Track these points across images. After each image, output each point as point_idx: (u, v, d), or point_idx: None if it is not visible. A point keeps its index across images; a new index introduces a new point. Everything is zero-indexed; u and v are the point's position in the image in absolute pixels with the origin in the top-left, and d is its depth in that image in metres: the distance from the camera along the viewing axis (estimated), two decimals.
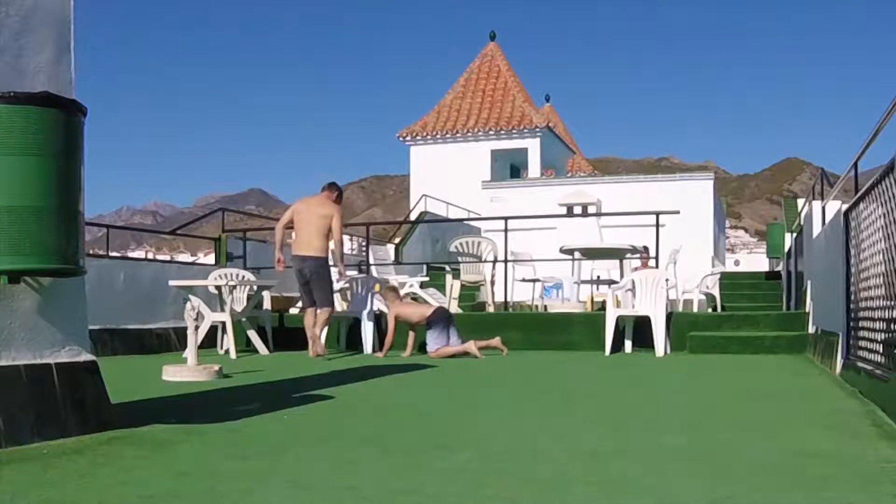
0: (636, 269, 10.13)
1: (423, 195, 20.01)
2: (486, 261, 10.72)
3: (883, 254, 4.38)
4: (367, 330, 8.80)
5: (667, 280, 8.50)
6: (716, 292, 11.61)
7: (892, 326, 4.13)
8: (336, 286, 9.84)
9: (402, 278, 11.95)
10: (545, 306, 11.61)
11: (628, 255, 10.53)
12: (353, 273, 10.84)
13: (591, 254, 11.46)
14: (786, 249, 13.85)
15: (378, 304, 9.42)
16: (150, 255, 36.83)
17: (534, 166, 22.67)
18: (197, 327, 6.32)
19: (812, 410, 4.17)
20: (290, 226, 8.33)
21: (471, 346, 7.95)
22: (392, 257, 14.45)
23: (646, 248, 10.36)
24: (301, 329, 9.62)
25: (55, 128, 3.04)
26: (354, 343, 9.09)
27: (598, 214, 16.17)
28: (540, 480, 2.54)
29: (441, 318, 8.19)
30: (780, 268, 15.54)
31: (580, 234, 14.50)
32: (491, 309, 10.58)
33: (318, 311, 8.02)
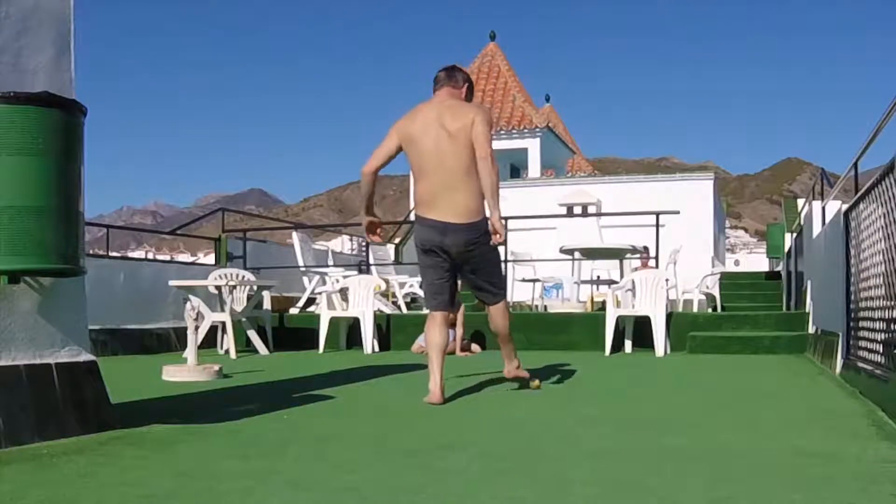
0: (636, 269, 10.13)
1: None
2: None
3: (883, 254, 4.38)
4: (368, 330, 8.80)
5: (667, 280, 8.50)
6: (716, 292, 11.61)
7: (892, 326, 4.13)
8: (336, 286, 9.85)
9: (402, 278, 11.96)
10: (545, 306, 11.61)
11: (628, 255, 10.53)
12: (352, 274, 10.85)
13: (591, 254, 11.45)
14: (786, 249, 13.85)
15: (378, 304, 9.42)
16: (150, 255, 36.83)
17: (534, 166, 22.66)
18: (197, 327, 6.32)
19: (812, 410, 4.17)
20: (386, 164, 4.60)
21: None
22: (392, 257, 14.45)
23: (646, 248, 10.36)
24: (302, 329, 9.66)
25: (55, 128, 3.04)
26: (354, 343, 9.09)
27: (598, 214, 16.16)
28: (541, 480, 2.54)
29: None
30: (780, 268, 15.54)
31: (580, 234, 14.49)
32: None
33: (492, 307, 4.86)
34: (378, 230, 4.77)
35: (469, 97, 4.61)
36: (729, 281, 13.66)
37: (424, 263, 4.64)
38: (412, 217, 18.73)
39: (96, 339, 6.87)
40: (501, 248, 10.80)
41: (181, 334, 9.01)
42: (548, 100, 29.96)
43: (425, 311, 11.53)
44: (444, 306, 4.73)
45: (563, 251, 10.81)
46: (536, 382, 5.17)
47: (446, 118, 4.36)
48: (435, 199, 4.41)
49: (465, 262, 4.57)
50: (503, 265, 10.80)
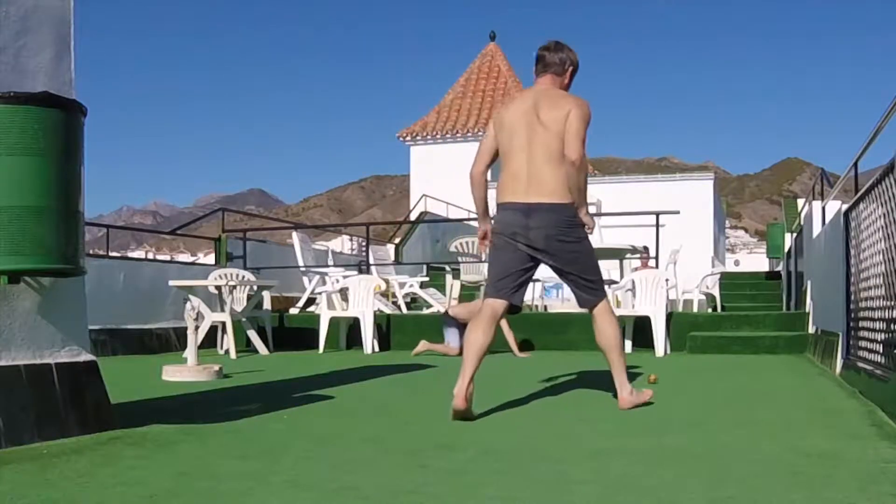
0: (636, 269, 10.13)
1: (423, 195, 20.01)
2: (486, 261, 10.71)
3: (883, 254, 4.38)
4: (368, 330, 8.80)
5: (667, 280, 8.50)
6: (716, 292, 11.61)
7: (892, 326, 4.13)
8: (336, 286, 9.84)
9: (402, 278, 11.96)
10: (545, 306, 11.61)
11: (628, 255, 10.53)
12: (352, 274, 10.84)
13: None
14: (786, 249, 13.86)
15: (378, 304, 9.42)
16: (150, 255, 36.82)
17: None
18: (197, 327, 6.32)
19: (812, 410, 4.17)
20: (493, 162, 4.32)
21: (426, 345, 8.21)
22: (392, 257, 14.46)
23: (646, 248, 10.36)
24: (302, 329, 9.66)
25: (55, 128, 3.04)
26: (354, 343, 9.08)
27: (598, 214, 16.16)
28: (541, 480, 2.54)
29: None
30: (780, 268, 15.54)
31: None
32: None
33: (596, 308, 4.18)
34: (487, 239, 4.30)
35: (570, 82, 4.31)
36: (729, 281, 13.67)
37: (497, 246, 4.18)
38: (412, 217, 18.57)
39: (96, 339, 6.87)
40: None
41: (181, 334, 9.01)
42: None
43: (425, 311, 11.55)
44: (504, 295, 4.11)
45: None
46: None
47: (542, 106, 4.09)
48: (518, 183, 4.06)
49: (556, 254, 4.06)
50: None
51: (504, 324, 7.99)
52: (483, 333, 4.02)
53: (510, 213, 4.09)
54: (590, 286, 4.19)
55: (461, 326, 8.06)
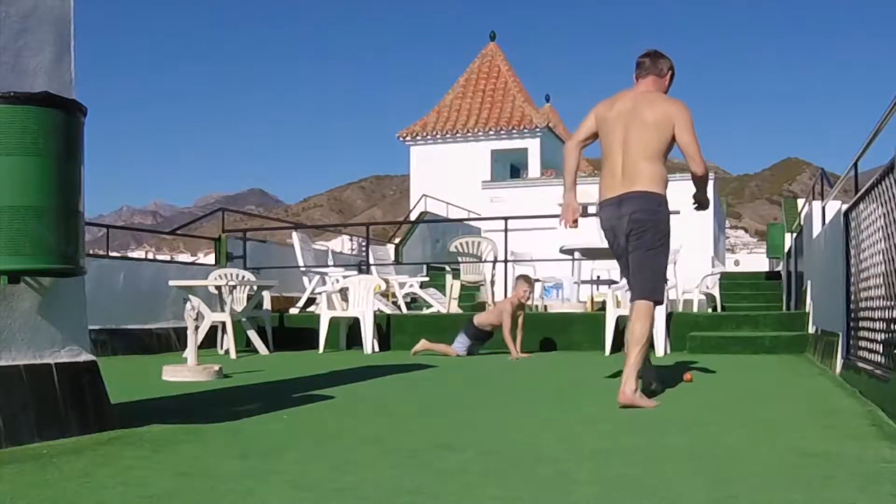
0: None
1: (423, 195, 20.04)
2: (486, 261, 10.73)
3: (883, 254, 4.38)
4: (368, 330, 8.80)
5: (667, 280, 8.49)
6: (716, 292, 11.61)
7: (892, 326, 4.13)
8: (336, 286, 9.83)
9: (402, 278, 11.96)
10: (545, 306, 11.61)
11: None
12: (352, 274, 10.84)
13: (591, 254, 11.45)
14: (786, 249, 13.86)
15: (378, 304, 9.42)
16: (150, 255, 36.83)
17: (534, 166, 22.68)
18: (197, 327, 6.32)
19: (812, 410, 4.17)
20: (588, 141, 4.62)
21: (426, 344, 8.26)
22: (392, 257, 14.46)
23: None
24: (302, 329, 9.66)
25: (55, 128, 3.04)
26: (354, 343, 9.09)
27: (598, 214, 16.16)
28: (541, 480, 2.54)
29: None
30: (780, 268, 15.54)
31: (580, 234, 14.49)
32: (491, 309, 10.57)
33: (637, 303, 4.42)
34: (575, 218, 4.67)
35: (670, 85, 4.60)
36: (729, 281, 13.68)
37: (615, 255, 4.63)
38: (412, 217, 18.59)
39: (96, 339, 6.87)
40: (501, 248, 10.85)
41: (181, 334, 9.02)
42: (548, 100, 29.95)
43: (425, 311, 11.55)
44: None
45: (563, 251, 10.81)
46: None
47: (643, 108, 4.34)
48: (614, 179, 4.37)
49: (629, 236, 4.36)
50: (534, 271, 10.80)
51: (520, 320, 8.05)
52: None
53: (606, 208, 4.45)
54: (645, 278, 4.40)
55: (477, 339, 8.15)
